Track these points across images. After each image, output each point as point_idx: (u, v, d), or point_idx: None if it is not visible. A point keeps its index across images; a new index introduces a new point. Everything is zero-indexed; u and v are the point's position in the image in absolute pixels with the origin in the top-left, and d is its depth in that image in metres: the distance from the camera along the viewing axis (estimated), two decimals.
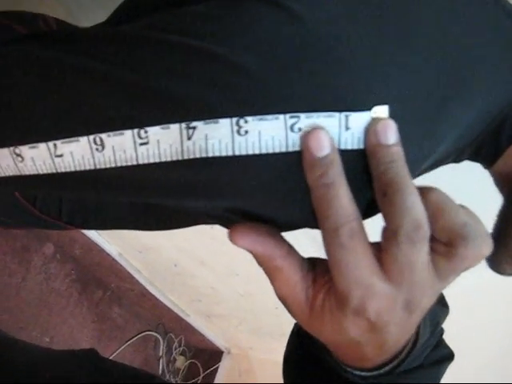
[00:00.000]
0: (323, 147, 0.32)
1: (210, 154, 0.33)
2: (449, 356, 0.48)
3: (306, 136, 0.32)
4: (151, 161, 0.34)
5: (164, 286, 2.14)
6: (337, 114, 0.32)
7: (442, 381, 0.47)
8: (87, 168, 0.35)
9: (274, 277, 0.37)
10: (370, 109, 0.33)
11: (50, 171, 0.35)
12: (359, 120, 0.33)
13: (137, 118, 0.33)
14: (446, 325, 0.47)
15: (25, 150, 0.35)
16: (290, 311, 0.38)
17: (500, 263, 0.49)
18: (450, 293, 0.43)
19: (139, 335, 2.35)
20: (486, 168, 0.50)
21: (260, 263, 0.37)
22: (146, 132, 0.33)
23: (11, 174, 0.37)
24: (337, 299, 0.34)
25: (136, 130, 0.33)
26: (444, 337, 0.48)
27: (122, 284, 2.13)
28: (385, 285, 0.33)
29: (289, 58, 0.32)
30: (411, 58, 0.35)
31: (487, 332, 1.38)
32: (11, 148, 0.35)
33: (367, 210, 0.38)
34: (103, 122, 0.34)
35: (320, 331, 0.37)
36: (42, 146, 0.35)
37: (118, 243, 1.92)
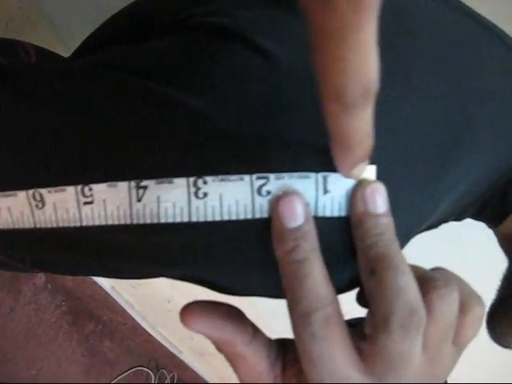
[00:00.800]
0: (296, 216, 0.27)
1: (163, 220, 0.28)
2: None
3: (275, 201, 0.27)
4: (96, 223, 0.30)
5: (157, 321, 2.10)
6: (313, 175, 0.27)
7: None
8: (26, 226, 0.31)
9: (236, 364, 0.31)
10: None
11: None
12: (340, 182, 0.28)
13: (80, 173, 0.30)
14: None
15: None
16: None
17: (504, 336, 0.44)
18: None
19: (130, 370, 2.28)
20: (490, 228, 0.46)
21: (218, 349, 0.31)
22: (90, 189, 0.29)
23: None
24: None
25: (79, 187, 0.29)
26: None
27: (115, 317, 2.09)
28: (365, 378, 0.27)
29: (257, 106, 0.28)
30: (407, 108, 0.31)
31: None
32: None
33: (348, 288, 0.33)
34: (43, 176, 0.31)
35: None
36: None
37: None
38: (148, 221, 0.29)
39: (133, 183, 0.28)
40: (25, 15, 0.95)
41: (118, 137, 0.29)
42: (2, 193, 0.31)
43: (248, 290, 0.33)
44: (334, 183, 0.28)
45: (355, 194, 0.28)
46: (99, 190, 0.29)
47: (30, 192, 0.30)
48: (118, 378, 2.22)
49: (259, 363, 0.31)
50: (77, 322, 2.06)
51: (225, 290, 0.34)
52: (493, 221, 0.44)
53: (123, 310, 2.01)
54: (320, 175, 0.27)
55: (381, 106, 0.27)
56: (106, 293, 1.92)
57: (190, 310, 0.30)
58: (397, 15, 0.32)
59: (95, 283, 1.88)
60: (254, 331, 0.31)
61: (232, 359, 0.31)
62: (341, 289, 0.32)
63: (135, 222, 0.29)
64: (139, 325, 2.08)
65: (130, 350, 2.28)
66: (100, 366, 2.15)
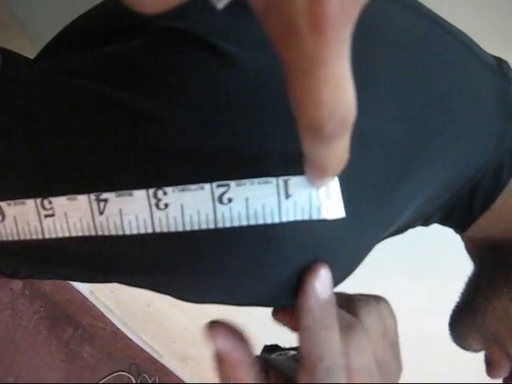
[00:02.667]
0: (327, 288, 0.29)
1: (127, 232, 0.28)
2: None
3: (310, 275, 0.29)
4: (60, 235, 0.29)
5: (137, 326, 2.08)
6: (274, 180, 0.27)
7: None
8: None
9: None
10: None
11: None
12: (303, 185, 0.27)
13: (38, 185, 0.29)
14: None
15: None
16: None
17: (465, 338, 0.45)
18: None
19: (111, 375, 2.26)
20: (457, 233, 0.47)
21: (222, 369, 0.32)
22: (50, 202, 0.29)
23: None
24: None
25: (39, 200, 0.29)
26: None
27: (94, 322, 2.06)
28: None
29: (215, 111, 0.27)
30: (370, 120, 0.30)
31: None
32: None
33: None
34: (2, 188, 0.30)
35: None
36: None
37: None
38: (113, 232, 0.28)
39: (92, 196, 0.28)
40: None
41: (74, 149, 0.29)
42: None
43: (201, 298, 0.36)
44: (296, 187, 0.27)
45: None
46: (59, 203, 0.29)
47: None
48: (99, 383, 2.20)
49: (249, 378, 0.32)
50: (56, 327, 2.04)
51: (182, 296, 0.36)
52: (459, 226, 0.44)
53: (103, 315, 1.99)
54: (281, 179, 0.27)
55: None
56: (85, 297, 1.90)
57: (216, 328, 0.31)
58: (365, 27, 0.32)
59: (73, 288, 1.86)
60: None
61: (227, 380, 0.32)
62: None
63: (100, 233, 0.29)
64: (119, 330, 2.06)
65: (110, 354, 2.25)
66: (80, 371, 2.12)
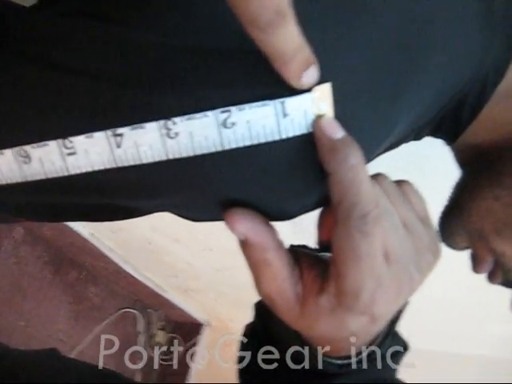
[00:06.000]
0: (338, 129, 0.31)
1: (144, 161, 0.31)
2: (405, 347, 0.47)
3: (316, 122, 0.30)
4: (83, 170, 0.32)
5: (139, 263, 2.12)
6: (271, 102, 0.29)
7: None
8: (15, 181, 0.33)
9: (262, 272, 0.34)
10: (309, 90, 0.30)
11: None
12: (298, 104, 0.30)
13: (58, 127, 0.31)
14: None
15: None
16: (276, 309, 0.35)
17: (452, 235, 0.48)
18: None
19: (117, 313, 2.33)
20: (447, 144, 0.49)
21: (249, 255, 0.34)
22: (70, 142, 0.31)
23: None
24: (341, 296, 0.32)
25: (60, 141, 0.31)
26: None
27: (97, 263, 2.11)
28: (388, 272, 0.32)
29: (215, 43, 0.30)
30: (360, 28, 0.32)
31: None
32: None
33: (313, 208, 0.36)
34: (24, 133, 0.32)
35: (311, 328, 0.35)
36: None
37: (89, 224, 1.89)
38: (131, 163, 0.31)
39: (109, 132, 0.30)
40: None
41: (86, 86, 0.30)
42: None
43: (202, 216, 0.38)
44: (292, 106, 0.30)
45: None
46: (79, 141, 0.31)
47: (16, 149, 0.32)
48: (106, 321, 2.27)
49: (282, 270, 0.34)
50: (59, 270, 2.08)
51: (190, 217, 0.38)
52: (449, 137, 0.47)
53: (104, 255, 2.02)
54: (278, 101, 0.29)
55: (335, 28, 0.31)
56: (86, 239, 1.93)
57: (235, 214, 0.33)
58: None
59: (73, 231, 1.88)
60: (279, 240, 0.35)
61: (259, 266, 0.34)
62: (307, 208, 0.36)
63: (120, 165, 0.31)
64: (122, 268, 2.10)
65: (114, 293, 2.32)
66: (87, 311, 2.19)
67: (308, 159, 0.32)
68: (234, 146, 0.30)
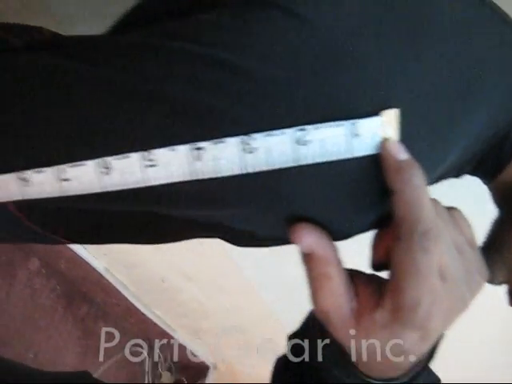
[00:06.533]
0: (403, 151, 0.34)
1: (222, 174, 0.33)
2: (438, 380, 0.47)
3: (383, 143, 0.33)
4: (161, 182, 0.34)
5: (151, 301, 2.12)
6: (344, 123, 0.32)
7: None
8: (94, 191, 0.35)
9: (321, 285, 0.36)
10: (377, 113, 0.33)
11: (54, 195, 0.35)
12: (368, 126, 0.33)
13: (143, 140, 0.33)
14: None
15: (31, 174, 0.34)
16: (330, 324, 0.37)
17: (491, 268, 0.49)
18: None
19: (125, 351, 2.30)
20: (485, 183, 0.50)
21: (311, 267, 0.36)
22: (153, 154, 0.33)
23: (15, 198, 0.36)
24: (398, 311, 0.34)
25: (142, 153, 0.33)
26: None
27: (109, 299, 2.11)
28: (443, 289, 0.34)
29: (297, 67, 0.32)
30: (424, 61, 0.35)
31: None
32: (17, 173, 0.35)
33: (369, 228, 0.39)
34: (109, 145, 0.34)
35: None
36: (49, 170, 0.34)
37: (104, 258, 1.90)
38: (209, 176, 0.33)
39: (191, 146, 0.32)
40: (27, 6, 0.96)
41: (174, 105, 0.32)
42: (73, 163, 0.34)
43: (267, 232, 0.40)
44: (363, 127, 0.33)
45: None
46: (161, 154, 0.33)
47: (98, 161, 0.33)
48: (114, 358, 2.24)
49: (341, 285, 0.36)
50: (72, 304, 2.08)
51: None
52: (488, 175, 0.48)
53: (117, 291, 2.03)
54: (350, 122, 0.32)
55: (402, 56, 0.34)
56: (100, 274, 1.94)
57: (301, 226, 0.36)
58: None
59: (89, 265, 1.89)
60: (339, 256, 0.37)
61: (318, 280, 0.36)
62: (362, 229, 0.39)
63: (197, 177, 0.33)
64: (133, 305, 2.10)
65: (124, 330, 2.30)
66: (96, 347, 2.17)
67: (372, 178, 0.35)
68: (307, 162, 0.33)
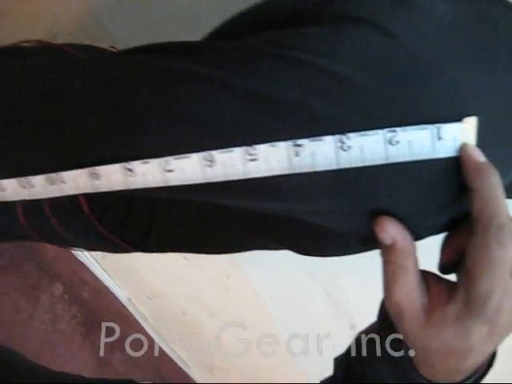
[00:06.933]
0: (481, 154, 0.37)
1: (318, 169, 0.36)
2: None
3: (464, 147, 0.36)
4: (259, 175, 0.37)
5: (169, 334, 2.11)
6: (429, 127, 0.35)
7: None
8: (196, 182, 0.38)
9: (397, 277, 0.38)
10: (459, 120, 0.36)
11: (157, 185, 0.38)
12: (450, 130, 0.36)
13: (246, 136, 0.36)
14: None
15: (137, 165, 0.37)
16: (401, 317, 0.38)
17: None
18: None
19: None
20: None
21: (390, 259, 0.38)
22: (254, 149, 0.36)
23: (117, 188, 0.39)
24: (470, 303, 0.35)
25: (245, 148, 0.36)
26: None
27: (128, 330, 2.11)
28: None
29: (387, 76, 0.36)
30: (501, 76, 0.39)
31: None
32: (124, 163, 0.37)
33: (442, 230, 0.41)
34: (216, 139, 0.36)
35: (432, 339, 0.37)
36: (155, 161, 0.37)
37: (128, 287, 1.91)
38: (305, 170, 0.36)
39: (290, 143, 0.35)
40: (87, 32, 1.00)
41: (280, 106, 0.36)
42: (179, 155, 0.37)
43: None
44: (445, 132, 0.36)
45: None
46: (262, 149, 0.36)
47: (202, 154, 0.36)
48: None
49: (415, 279, 0.38)
50: (90, 333, 2.08)
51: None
52: None
53: (136, 322, 2.03)
54: (435, 126, 0.36)
55: (478, 73, 0.37)
56: (122, 304, 1.95)
57: (385, 218, 0.38)
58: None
59: (112, 294, 1.91)
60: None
61: (396, 272, 0.38)
62: (435, 229, 0.41)
63: (294, 172, 0.36)
64: (151, 338, 2.10)
65: (139, 363, 2.29)
66: (110, 377, 2.15)
67: (451, 179, 0.37)
68: (396, 160, 0.36)
